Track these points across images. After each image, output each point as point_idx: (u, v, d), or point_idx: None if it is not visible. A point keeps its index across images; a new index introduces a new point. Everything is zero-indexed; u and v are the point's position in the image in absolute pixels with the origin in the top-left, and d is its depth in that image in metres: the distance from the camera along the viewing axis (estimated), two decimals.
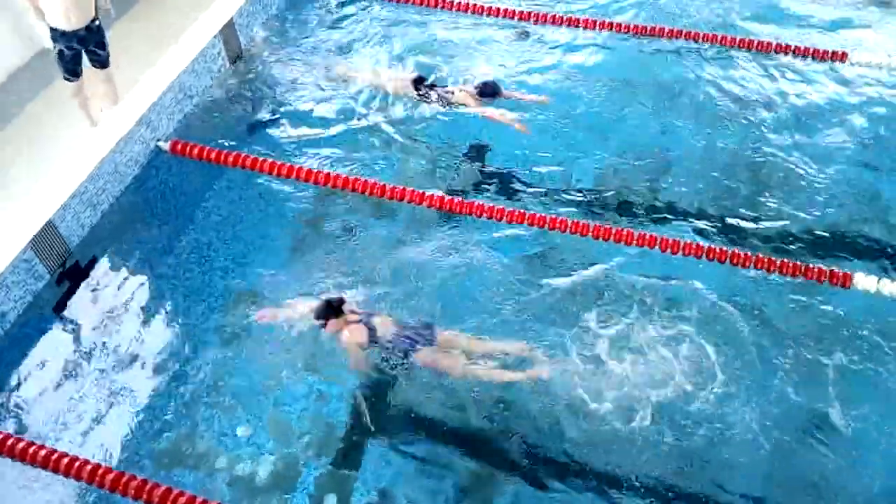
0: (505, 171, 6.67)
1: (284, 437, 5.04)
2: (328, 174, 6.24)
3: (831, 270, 5.56)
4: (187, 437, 5.02)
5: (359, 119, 7.02)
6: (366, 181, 6.16)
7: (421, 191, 6.13)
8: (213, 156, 6.36)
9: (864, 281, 5.47)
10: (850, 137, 6.84)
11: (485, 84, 7.00)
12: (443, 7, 8.01)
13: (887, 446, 4.93)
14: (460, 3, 7.96)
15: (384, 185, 6.14)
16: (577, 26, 7.80)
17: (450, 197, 6.20)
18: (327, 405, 5.18)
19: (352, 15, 8.11)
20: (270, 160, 6.32)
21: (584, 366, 5.30)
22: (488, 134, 6.94)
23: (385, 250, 6.02)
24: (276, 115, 7.06)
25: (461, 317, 5.56)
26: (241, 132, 6.93)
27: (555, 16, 7.86)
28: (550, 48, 7.75)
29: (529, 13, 7.89)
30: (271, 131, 6.92)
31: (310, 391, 5.23)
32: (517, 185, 6.52)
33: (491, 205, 6.08)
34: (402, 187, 6.14)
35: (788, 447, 4.94)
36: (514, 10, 7.91)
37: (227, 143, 6.57)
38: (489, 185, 6.55)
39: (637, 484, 4.83)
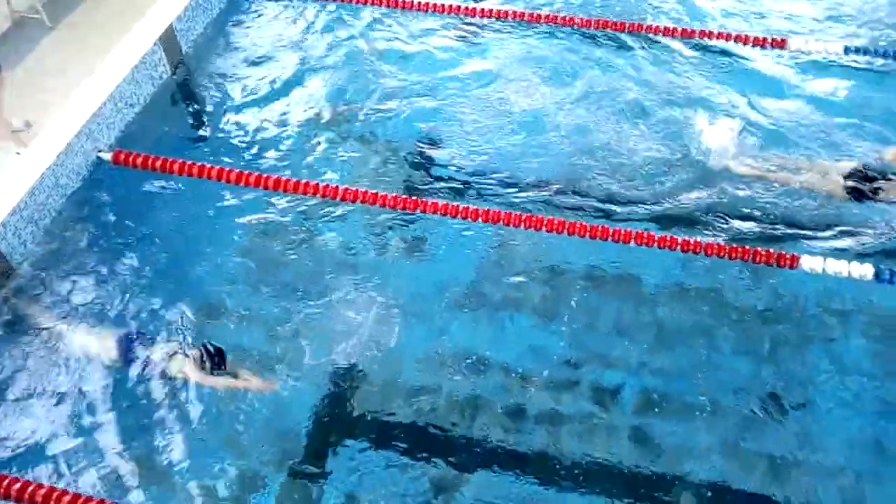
0: (458, 168, 6.66)
1: (245, 449, 4.96)
2: (278, 178, 6.15)
3: (779, 253, 5.69)
4: (146, 457, 4.90)
5: (308, 121, 6.94)
6: (317, 184, 6.09)
7: (374, 191, 6.08)
8: (158, 165, 6.21)
9: (811, 262, 5.61)
10: (786, 125, 6.96)
11: None
12: (383, 5, 7.93)
13: (837, 420, 5.08)
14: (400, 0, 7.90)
15: (336, 187, 6.08)
16: (521, 20, 7.85)
17: (404, 196, 6.17)
18: (286, 415, 5.12)
19: (294, 16, 8.01)
20: (218, 167, 6.19)
21: (545, 354, 5.37)
22: (440, 130, 6.93)
23: (341, 254, 5.97)
24: (223, 121, 6.93)
25: (427, 316, 5.56)
26: (187, 140, 6.80)
27: (499, 11, 7.87)
28: (497, 45, 7.77)
29: (473, 9, 7.88)
30: (218, 137, 6.80)
31: (268, 402, 5.15)
32: (471, 182, 6.52)
33: (445, 202, 6.06)
34: (354, 188, 6.08)
35: (743, 424, 5.06)
36: (458, 6, 7.89)
37: (172, 152, 6.41)
38: (443, 182, 6.54)
39: (597, 469, 4.88)
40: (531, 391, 5.21)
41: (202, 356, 5.11)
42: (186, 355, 5.17)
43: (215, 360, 5.10)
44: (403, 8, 7.88)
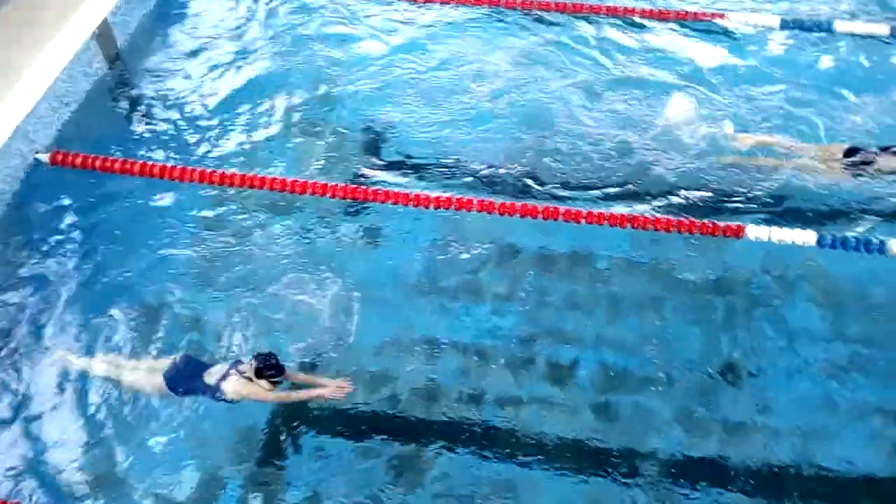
0: (409, 154, 6.62)
1: (203, 447, 4.88)
2: (223, 173, 6.03)
3: (725, 224, 5.80)
4: (100, 462, 4.79)
5: (252, 112, 6.82)
6: (264, 177, 5.99)
7: (323, 182, 6.01)
8: (97, 164, 6.04)
9: (756, 231, 5.74)
10: (724, 97, 7.06)
11: None
12: None
13: (789, 382, 5.21)
14: None
15: (284, 180, 5.98)
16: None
17: (354, 185, 6.11)
18: (245, 410, 5.01)
19: (234, 4, 7.84)
20: (161, 164, 6.06)
21: (503, 335, 5.40)
22: (389, 115, 6.86)
23: (293, 246, 5.89)
24: (163, 116, 6.77)
25: (384, 304, 5.52)
26: (127, 137, 6.61)
27: None
28: (445, 28, 7.72)
29: None
30: (159, 133, 6.64)
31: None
32: (422, 167, 6.49)
33: (396, 191, 6.02)
34: (303, 180, 6.00)
35: (699, 392, 5.16)
36: None
37: (112, 150, 6.25)
38: (394, 169, 6.49)
39: (559, 445, 4.94)
40: (490, 373, 5.23)
41: (257, 370, 4.71)
42: (241, 374, 4.76)
43: (272, 370, 4.73)
44: None
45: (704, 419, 5.05)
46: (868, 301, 5.62)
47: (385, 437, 4.95)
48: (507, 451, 4.90)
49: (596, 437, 4.96)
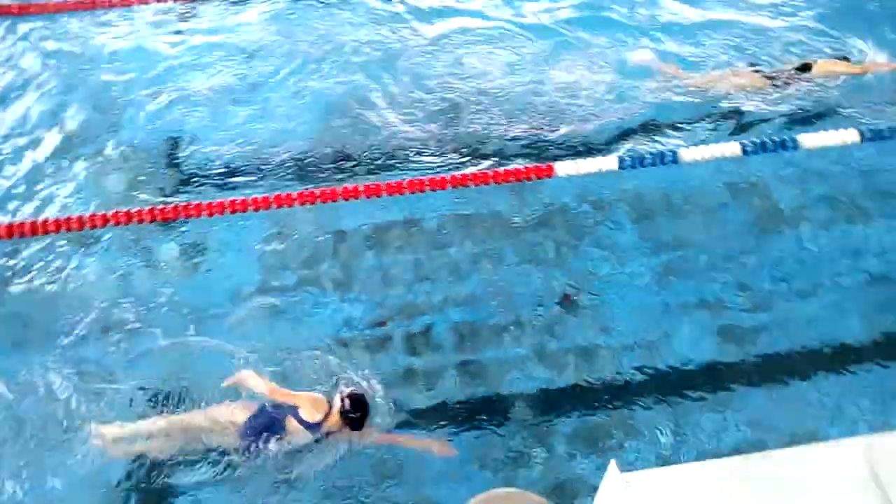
0: (212, 160, 6.30)
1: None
2: (10, 225, 5.41)
3: (536, 166, 6.08)
4: None
5: (25, 152, 6.21)
6: (58, 219, 5.45)
7: (126, 209, 5.57)
8: None
9: (564, 167, 6.06)
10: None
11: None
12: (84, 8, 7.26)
13: (624, 299, 5.59)
14: None
15: (81, 217, 5.47)
16: None
17: (161, 206, 5.72)
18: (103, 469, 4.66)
19: None
20: None
21: (355, 322, 5.37)
22: (181, 125, 6.51)
23: (109, 286, 5.46)
24: None
25: (226, 325, 5.29)
26: None
27: None
28: (221, 21, 7.44)
29: None
30: None
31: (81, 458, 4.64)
32: (230, 172, 6.22)
33: (209, 202, 5.71)
34: (102, 213, 5.52)
35: (547, 327, 5.43)
36: None
37: None
38: (201, 180, 6.17)
39: (434, 412, 5.01)
40: (350, 362, 5.17)
41: (347, 419, 4.57)
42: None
43: (356, 414, 4.59)
44: (110, 7, 7.24)
45: (558, 351, 5.32)
46: (673, 208, 6.15)
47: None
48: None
49: (465, 397, 5.09)
